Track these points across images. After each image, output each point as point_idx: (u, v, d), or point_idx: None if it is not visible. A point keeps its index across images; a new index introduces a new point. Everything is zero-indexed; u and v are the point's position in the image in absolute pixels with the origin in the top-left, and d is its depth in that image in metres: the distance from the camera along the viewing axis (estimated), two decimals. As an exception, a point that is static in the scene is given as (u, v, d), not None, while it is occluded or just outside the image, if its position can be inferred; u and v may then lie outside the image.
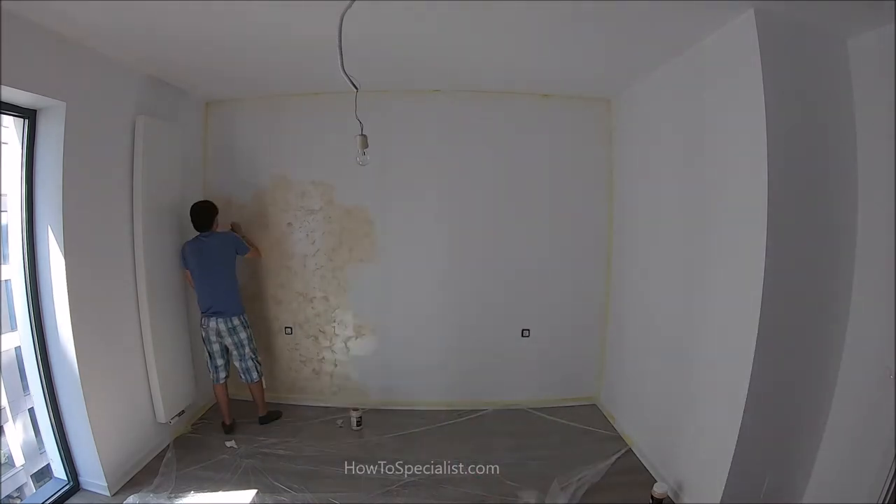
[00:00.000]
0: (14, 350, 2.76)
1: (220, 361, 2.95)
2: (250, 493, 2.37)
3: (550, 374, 3.44)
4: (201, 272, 2.82)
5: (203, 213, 2.83)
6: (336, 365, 3.43)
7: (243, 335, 2.92)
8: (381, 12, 1.86)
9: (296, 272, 3.37)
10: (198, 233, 2.84)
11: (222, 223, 3.40)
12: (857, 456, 1.88)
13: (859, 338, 1.92)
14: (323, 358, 3.44)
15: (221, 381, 2.97)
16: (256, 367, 3.01)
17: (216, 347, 2.92)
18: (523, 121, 3.21)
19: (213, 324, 2.85)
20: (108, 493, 2.33)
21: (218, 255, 2.84)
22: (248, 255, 3.02)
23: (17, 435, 3.11)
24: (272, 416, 3.17)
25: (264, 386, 3.12)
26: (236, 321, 2.89)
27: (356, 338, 3.38)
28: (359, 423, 3.07)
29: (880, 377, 1.77)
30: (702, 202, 2.22)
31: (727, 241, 2.05)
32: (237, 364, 2.98)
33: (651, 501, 2.27)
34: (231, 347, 2.93)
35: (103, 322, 2.37)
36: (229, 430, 3.00)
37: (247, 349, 2.95)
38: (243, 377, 3.01)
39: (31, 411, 2.58)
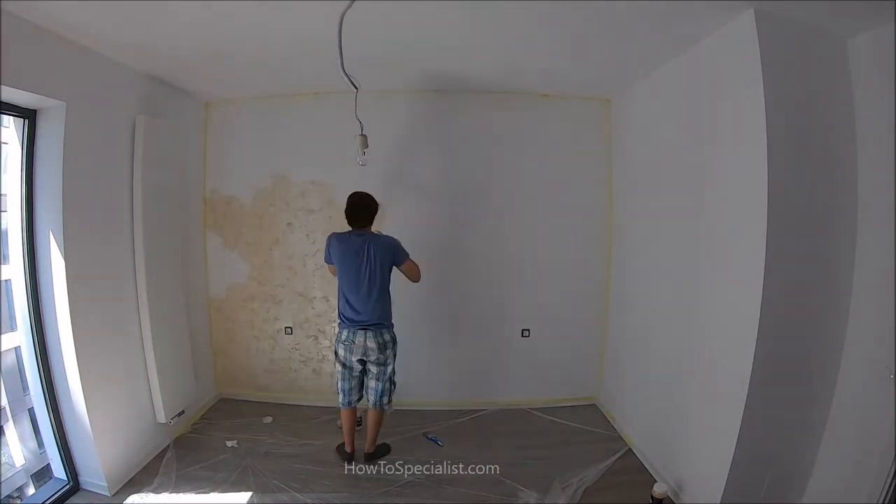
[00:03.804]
0: (14, 350, 2.76)
1: (355, 383, 2.58)
2: (245, 496, 2.37)
3: (550, 374, 3.44)
4: (354, 276, 2.44)
5: (366, 207, 2.46)
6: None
7: (390, 351, 2.53)
8: (381, 12, 1.86)
9: (296, 272, 3.36)
10: (350, 228, 2.49)
11: (228, 224, 3.39)
12: (857, 456, 1.89)
13: (859, 338, 1.92)
14: (323, 358, 3.43)
15: (353, 406, 2.64)
16: (390, 392, 2.62)
17: (358, 366, 2.54)
18: (523, 121, 3.21)
19: (360, 338, 2.45)
20: (108, 493, 2.33)
21: (378, 260, 2.43)
22: (405, 266, 2.53)
23: (17, 435, 3.11)
24: (381, 451, 2.75)
25: (382, 417, 2.68)
26: (387, 336, 2.51)
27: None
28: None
29: (880, 377, 1.78)
30: (701, 202, 2.22)
31: (727, 240, 2.05)
32: (372, 384, 2.58)
33: (651, 501, 2.27)
34: (373, 366, 2.53)
35: (103, 322, 2.37)
36: (350, 458, 2.68)
37: (390, 368, 2.57)
38: (371, 399, 2.59)
39: (31, 411, 2.58)
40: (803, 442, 2.05)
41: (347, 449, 2.71)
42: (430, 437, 2.98)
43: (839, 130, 1.90)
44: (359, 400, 2.66)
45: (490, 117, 3.20)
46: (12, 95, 1.92)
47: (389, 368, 2.57)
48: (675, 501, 2.31)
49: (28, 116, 2.08)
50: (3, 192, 2.15)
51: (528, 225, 3.29)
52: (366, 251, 2.43)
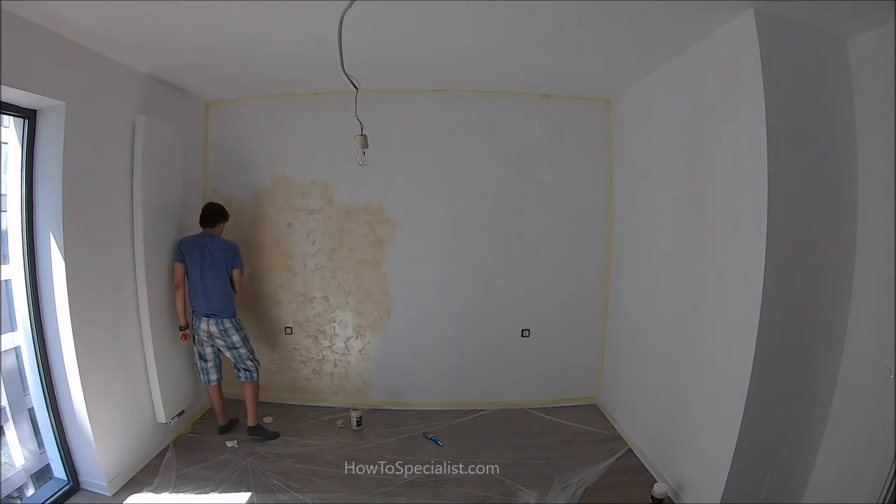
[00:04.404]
0: (14, 350, 2.76)
1: (211, 363, 2.89)
2: (245, 496, 2.37)
3: (550, 375, 3.44)
4: (198, 270, 2.76)
5: (213, 213, 2.86)
6: (336, 365, 3.43)
7: (236, 337, 2.85)
8: (381, 12, 1.86)
9: (296, 272, 3.36)
10: (201, 230, 2.83)
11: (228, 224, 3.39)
12: (857, 456, 1.89)
13: (859, 338, 1.92)
14: (323, 358, 3.44)
15: (213, 384, 2.92)
16: (256, 368, 2.94)
17: (208, 350, 2.87)
18: (523, 121, 3.21)
19: (204, 325, 2.79)
20: (108, 493, 2.33)
21: (218, 258, 2.79)
22: (235, 275, 2.86)
23: (17, 435, 3.11)
24: (263, 433, 2.93)
25: (258, 391, 2.94)
26: (227, 324, 2.81)
27: (356, 338, 3.39)
28: (359, 423, 3.07)
29: (880, 377, 1.78)
30: (701, 202, 2.22)
31: (727, 240, 2.05)
32: (228, 354, 2.89)
33: (651, 501, 2.27)
34: (224, 350, 2.87)
35: (103, 322, 2.37)
36: (226, 430, 2.98)
37: (242, 350, 2.88)
38: (242, 377, 2.90)
39: (31, 411, 2.58)
40: (803, 442, 2.05)
41: (220, 422, 3.00)
42: (430, 437, 2.98)
43: (839, 130, 1.90)
44: (218, 380, 2.94)
45: (490, 117, 3.20)
46: (12, 95, 1.92)
47: (242, 351, 2.89)
48: (675, 501, 2.31)
49: (28, 116, 2.08)
50: (3, 192, 2.15)
51: (528, 224, 3.29)
52: (206, 249, 2.79)
